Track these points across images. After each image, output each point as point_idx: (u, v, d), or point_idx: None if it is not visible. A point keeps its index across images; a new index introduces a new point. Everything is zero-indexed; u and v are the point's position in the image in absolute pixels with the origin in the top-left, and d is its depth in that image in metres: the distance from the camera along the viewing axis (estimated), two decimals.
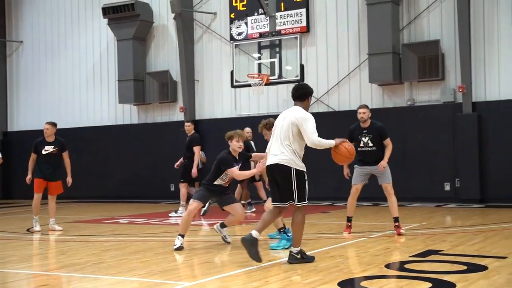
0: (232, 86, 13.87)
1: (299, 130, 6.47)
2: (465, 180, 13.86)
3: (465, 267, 6.07)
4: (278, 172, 6.51)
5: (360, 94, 15.32)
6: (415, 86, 14.76)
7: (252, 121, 16.28)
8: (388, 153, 8.72)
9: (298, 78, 12.87)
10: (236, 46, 13.82)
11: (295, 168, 6.46)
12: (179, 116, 17.49)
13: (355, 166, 8.95)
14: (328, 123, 15.12)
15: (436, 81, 14.39)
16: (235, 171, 7.69)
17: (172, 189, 17.02)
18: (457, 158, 14.08)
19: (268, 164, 6.66)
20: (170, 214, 12.59)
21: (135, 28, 17.72)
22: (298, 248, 6.53)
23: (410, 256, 6.88)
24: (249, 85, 13.19)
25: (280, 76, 13.13)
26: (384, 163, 8.63)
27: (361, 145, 8.75)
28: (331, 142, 6.60)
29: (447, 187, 14.18)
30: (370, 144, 8.69)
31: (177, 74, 17.60)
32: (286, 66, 13.16)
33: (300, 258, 6.51)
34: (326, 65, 15.75)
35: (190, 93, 17.39)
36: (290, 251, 6.59)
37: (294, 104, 6.79)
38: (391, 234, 8.76)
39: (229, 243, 8.07)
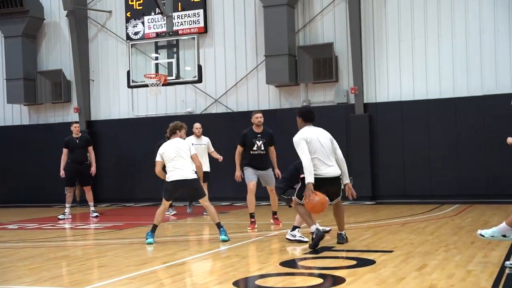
0: (129, 86, 13.62)
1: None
2: (357, 178, 14.40)
3: (355, 262, 6.31)
4: (336, 181, 7.69)
5: (257, 95, 15.53)
6: (310, 88, 15.16)
7: (150, 122, 16.12)
8: (275, 159, 9.82)
9: (196, 79, 12.86)
10: (132, 45, 13.57)
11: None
12: (73, 116, 16.89)
13: (245, 168, 9.64)
14: (226, 124, 15.26)
15: (330, 83, 14.86)
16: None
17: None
18: (350, 158, 14.55)
19: (330, 176, 7.61)
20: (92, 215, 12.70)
21: (24, 25, 16.94)
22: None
23: (305, 253, 7.06)
24: (147, 85, 13.01)
25: (178, 76, 13.04)
26: (278, 171, 9.72)
27: (255, 148, 9.57)
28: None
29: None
30: (262, 148, 9.59)
31: (71, 74, 17.00)
32: (185, 67, 13.08)
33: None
34: (224, 66, 15.82)
35: (85, 93, 16.86)
36: (339, 233, 7.71)
37: (312, 124, 8.15)
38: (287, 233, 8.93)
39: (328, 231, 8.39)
